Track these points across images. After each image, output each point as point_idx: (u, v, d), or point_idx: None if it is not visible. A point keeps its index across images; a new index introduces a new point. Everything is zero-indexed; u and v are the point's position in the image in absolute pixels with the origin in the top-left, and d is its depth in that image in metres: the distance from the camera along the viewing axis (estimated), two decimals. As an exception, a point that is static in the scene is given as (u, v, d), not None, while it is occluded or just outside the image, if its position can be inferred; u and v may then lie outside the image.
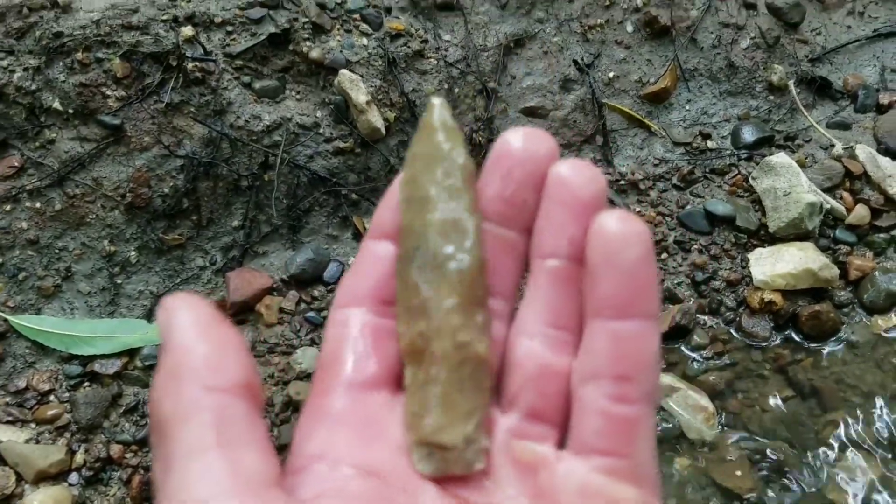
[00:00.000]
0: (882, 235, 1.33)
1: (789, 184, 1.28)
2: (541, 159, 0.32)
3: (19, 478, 1.07)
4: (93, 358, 1.14)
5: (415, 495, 0.30)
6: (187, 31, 1.24)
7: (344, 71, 1.29)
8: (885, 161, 1.35)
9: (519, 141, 0.33)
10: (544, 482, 0.31)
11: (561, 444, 0.32)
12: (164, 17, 1.23)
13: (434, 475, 0.30)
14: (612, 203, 1.35)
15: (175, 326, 0.28)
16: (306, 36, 1.30)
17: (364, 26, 1.34)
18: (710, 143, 1.43)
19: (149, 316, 1.20)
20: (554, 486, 0.31)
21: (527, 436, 0.32)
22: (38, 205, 1.18)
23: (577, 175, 0.32)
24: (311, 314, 1.23)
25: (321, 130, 1.30)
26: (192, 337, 0.27)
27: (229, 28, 1.27)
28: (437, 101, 0.34)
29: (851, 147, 1.39)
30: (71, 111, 1.19)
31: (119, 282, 1.21)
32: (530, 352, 0.32)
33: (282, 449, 1.10)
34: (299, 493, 0.29)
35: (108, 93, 1.20)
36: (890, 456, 1.13)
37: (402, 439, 0.31)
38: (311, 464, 0.30)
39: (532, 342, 0.32)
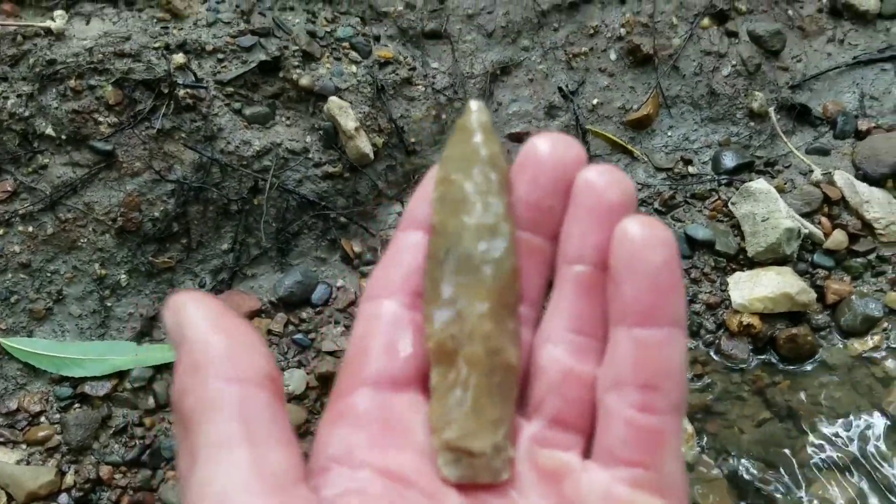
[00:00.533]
0: (859, 260, 1.35)
1: (768, 209, 1.31)
2: (568, 165, 0.32)
3: (10, 499, 1.08)
4: (83, 380, 1.16)
5: (438, 501, 0.30)
6: (179, 58, 1.26)
7: (333, 98, 1.31)
8: (862, 187, 1.38)
9: (546, 146, 0.32)
10: (568, 491, 0.30)
11: (586, 453, 0.31)
12: (156, 45, 1.26)
13: (459, 481, 0.29)
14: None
15: (187, 322, 0.27)
16: (296, 63, 1.32)
17: (353, 54, 1.37)
18: (691, 169, 1.45)
19: (139, 338, 1.22)
20: (579, 496, 0.30)
21: (551, 444, 0.32)
22: (30, 229, 1.20)
23: (604, 179, 0.31)
24: (298, 336, 1.25)
25: (310, 155, 1.32)
26: (207, 331, 0.27)
27: (220, 56, 1.30)
28: (475, 105, 0.33)
29: (830, 173, 1.42)
30: (63, 137, 1.21)
31: (109, 304, 1.23)
32: (555, 358, 0.32)
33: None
34: (322, 493, 0.28)
35: (101, 119, 1.23)
36: (864, 476, 1.16)
37: (427, 443, 0.31)
38: (332, 465, 0.29)
39: (556, 349, 0.32)
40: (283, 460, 0.26)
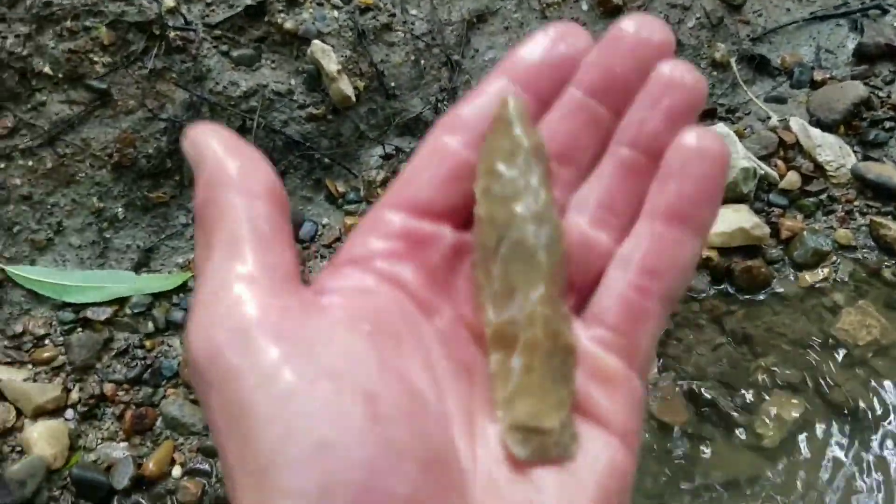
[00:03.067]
0: (811, 199, 1.45)
1: (727, 151, 1.39)
2: (653, 47, 0.33)
3: (19, 413, 1.15)
4: (85, 305, 1.23)
5: (431, 315, 0.32)
6: (169, 2, 1.32)
7: (316, 41, 1.38)
8: (815, 132, 1.47)
9: (634, 26, 0.33)
10: None
11: (577, 312, 0.33)
12: (149, -11, 1.31)
13: (530, 459, 0.30)
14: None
15: (206, 148, 0.30)
16: (280, 8, 1.38)
17: None
18: (657, 115, 1.54)
19: (136, 269, 1.29)
20: None
21: None
22: (30, 163, 1.26)
23: (681, 76, 0.32)
24: (286, 268, 1.32)
25: (295, 97, 1.39)
26: (223, 154, 0.30)
27: (209, 0, 1.35)
28: (512, 98, 0.33)
29: (786, 119, 1.51)
30: (60, 76, 1.27)
31: (108, 236, 1.29)
32: (576, 224, 0.33)
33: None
34: (323, 284, 0.31)
35: (96, 59, 1.28)
36: (814, 396, 1.26)
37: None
38: (346, 265, 0.31)
39: (581, 216, 0.33)
40: (283, 259, 0.29)
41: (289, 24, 1.38)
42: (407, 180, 0.33)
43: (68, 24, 1.27)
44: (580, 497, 0.29)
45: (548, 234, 0.32)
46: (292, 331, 0.27)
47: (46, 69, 1.26)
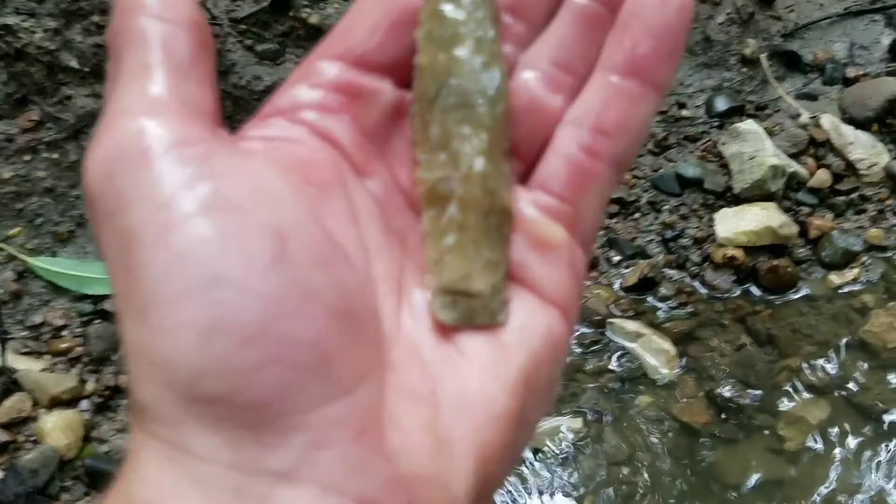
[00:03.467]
0: (841, 198, 1.41)
1: (755, 148, 1.37)
2: None
3: (35, 403, 1.16)
4: (104, 297, 1.24)
5: (364, 177, 0.29)
6: (195, -3, 1.33)
7: (341, 37, 1.38)
8: (847, 129, 1.44)
9: None
10: None
11: (523, 181, 0.31)
12: (173, -16, 1.32)
13: (455, 324, 0.28)
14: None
15: None
16: (306, 3, 1.38)
17: (361, -4, 1.43)
18: (685, 112, 1.51)
19: (156, 261, 1.30)
20: None
21: None
22: (55, 156, 1.28)
23: None
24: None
25: (319, 93, 1.39)
26: None
27: (234, -5, 1.36)
28: None
29: (817, 116, 1.47)
30: (87, 70, 1.28)
31: (128, 229, 1.30)
32: (525, 83, 0.30)
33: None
34: (247, 132, 0.28)
35: (121, 54, 1.29)
36: (839, 399, 1.22)
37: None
38: (273, 115, 0.29)
39: (531, 74, 0.30)
40: (200, 93, 0.26)
41: (314, 19, 1.38)
42: (345, 28, 0.29)
43: (96, 18, 1.28)
44: (509, 364, 0.27)
45: (492, 83, 0.30)
46: (197, 159, 0.24)
47: (73, 63, 1.27)
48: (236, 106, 1.33)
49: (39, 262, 1.24)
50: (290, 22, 1.38)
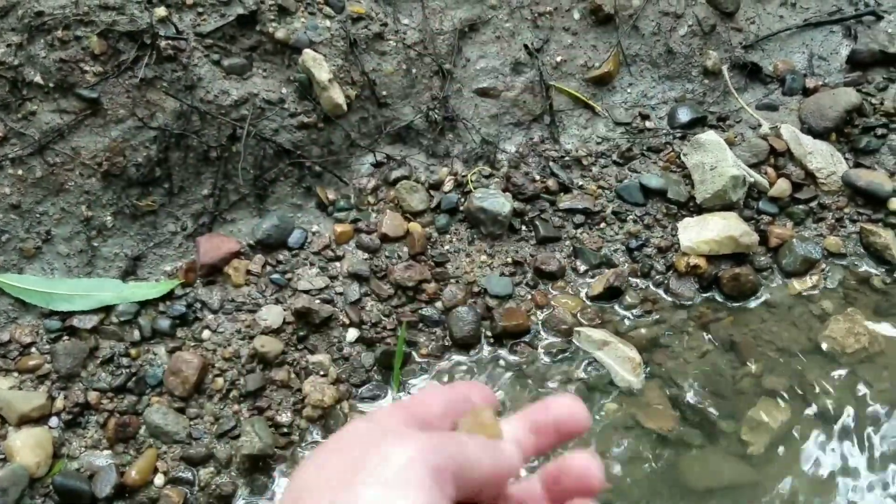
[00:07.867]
0: (801, 207, 1.44)
1: (716, 159, 1.39)
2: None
3: (3, 421, 1.16)
4: (71, 314, 1.24)
5: None
6: (160, 11, 1.33)
7: (308, 50, 1.38)
8: (807, 139, 1.47)
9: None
10: None
11: None
12: (139, -1, 1.32)
13: None
14: (555, 176, 1.46)
15: None
16: (272, 17, 1.39)
17: (327, 9, 1.43)
18: (648, 124, 1.54)
19: (124, 277, 1.29)
20: None
21: None
22: (20, 172, 1.27)
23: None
24: (275, 276, 1.32)
25: (286, 106, 1.39)
26: None
27: (200, 9, 1.36)
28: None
29: (777, 127, 1.50)
30: (51, 85, 1.28)
31: (96, 244, 1.30)
32: None
33: (247, 396, 1.21)
34: None
35: (86, 68, 1.29)
36: (799, 402, 1.25)
37: None
38: None
39: None
40: None
41: (280, 34, 1.39)
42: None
43: (59, 33, 1.28)
44: None
45: None
46: None
47: (37, 78, 1.27)
48: (203, 122, 1.34)
49: (6, 279, 1.24)
50: (256, 36, 1.38)
